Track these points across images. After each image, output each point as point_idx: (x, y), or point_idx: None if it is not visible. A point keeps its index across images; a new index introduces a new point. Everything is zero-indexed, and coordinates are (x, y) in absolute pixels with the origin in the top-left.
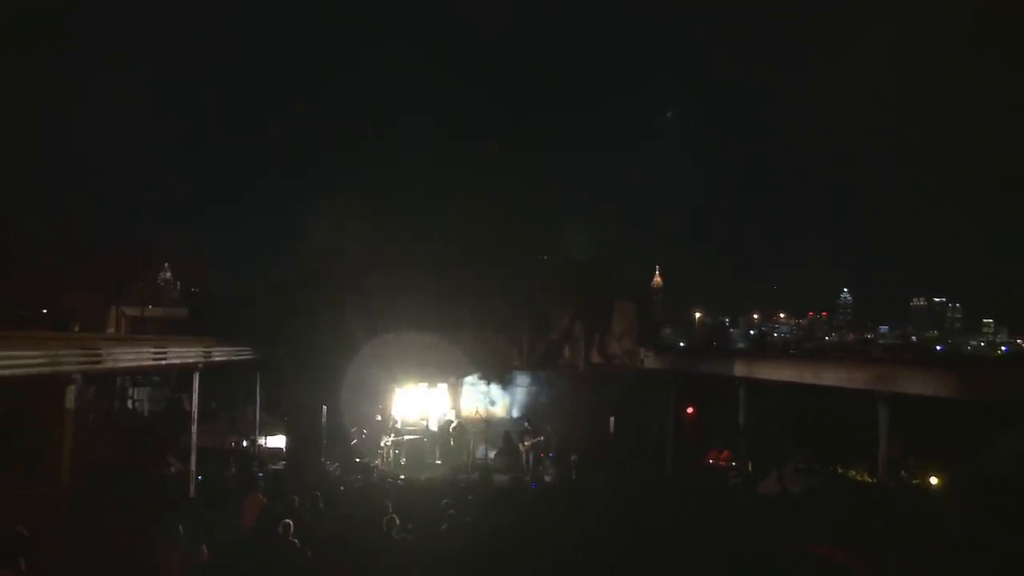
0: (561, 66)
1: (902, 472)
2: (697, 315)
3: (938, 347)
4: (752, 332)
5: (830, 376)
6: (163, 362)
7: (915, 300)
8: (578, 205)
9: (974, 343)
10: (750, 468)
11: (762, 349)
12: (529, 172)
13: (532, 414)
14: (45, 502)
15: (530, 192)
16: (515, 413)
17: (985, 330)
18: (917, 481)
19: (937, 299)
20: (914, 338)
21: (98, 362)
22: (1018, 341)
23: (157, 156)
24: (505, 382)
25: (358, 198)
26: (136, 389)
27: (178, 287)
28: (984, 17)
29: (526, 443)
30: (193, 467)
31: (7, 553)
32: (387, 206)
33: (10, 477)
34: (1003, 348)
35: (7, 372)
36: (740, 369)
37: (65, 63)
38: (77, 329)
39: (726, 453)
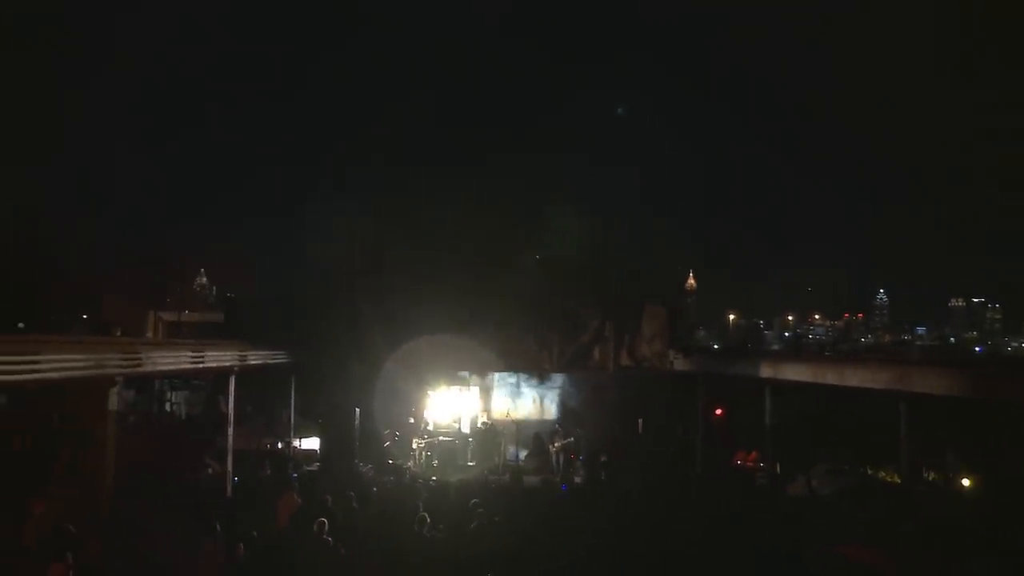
0: (581, 64)
1: (928, 473)
2: (731, 317)
3: (977, 348)
4: (787, 334)
5: (852, 377)
6: (200, 365)
7: (953, 301)
8: (610, 207)
9: (1015, 344)
10: (778, 469)
11: (797, 351)
12: (559, 174)
13: (562, 416)
14: (89, 501)
15: (560, 194)
16: (545, 415)
17: None
18: (933, 479)
19: (976, 299)
20: (952, 339)
21: (138, 365)
22: None
23: (192, 163)
24: (536, 383)
25: (390, 202)
26: (174, 393)
27: (214, 292)
28: None
29: (556, 444)
30: (230, 468)
31: (55, 549)
32: (419, 209)
33: (56, 477)
34: None
35: (53, 375)
36: (765, 370)
37: (102, 71)
38: (118, 334)
39: (754, 454)
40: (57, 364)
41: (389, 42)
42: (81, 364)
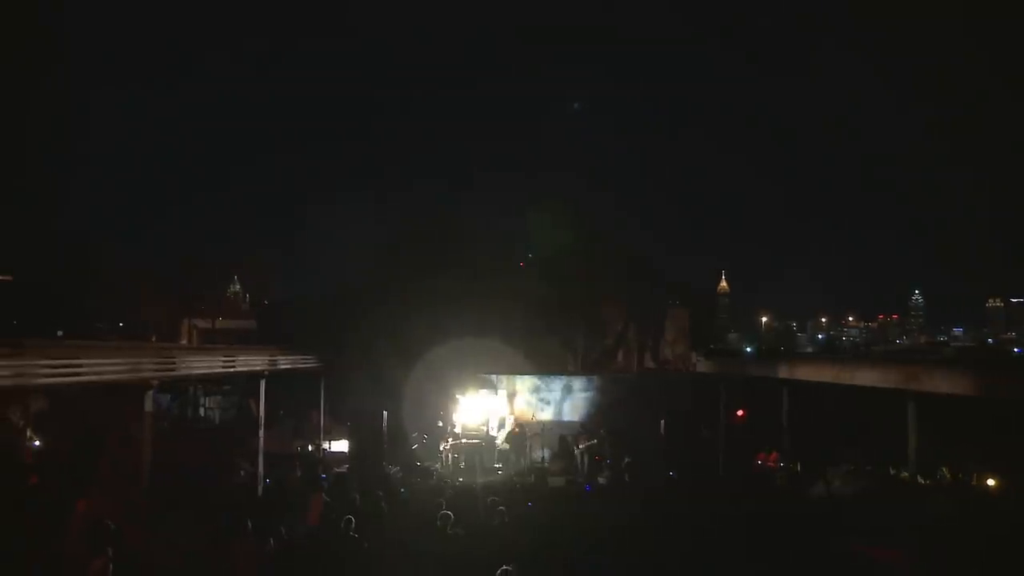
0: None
1: (950, 473)
2: (764, 319)
3: (1016, 349)
4: (820, 336)
5: (864, 377)
6: (232, 369)
7: (991, 301)
8: (639, 211)
9: None
10: (798, 469)
11: (832, 353)
12: (587, 179)
13: (586, 418)
14: (128, 498)
15: (586, 199)
16: (570, 417)
17: None
18: (954, 479)
19: (1015, 299)
20: (991, 340)
21: (173, 369)
22: None
23: (226, 171)
24: (561, 386)
25: (421, 210)
26: (207, 398)
27: (247, 300)
28: None
29: (581, 446)
30: (261, 470)
31: (96, 543)
32: (445, 215)
33: (98, 476)
34: None
35: (94, 377)
36: (783, 371)
37: (130, 79)
38: (154, 339)
39: (775, 455)
40: (96, 368)
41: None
42: (119, 368)
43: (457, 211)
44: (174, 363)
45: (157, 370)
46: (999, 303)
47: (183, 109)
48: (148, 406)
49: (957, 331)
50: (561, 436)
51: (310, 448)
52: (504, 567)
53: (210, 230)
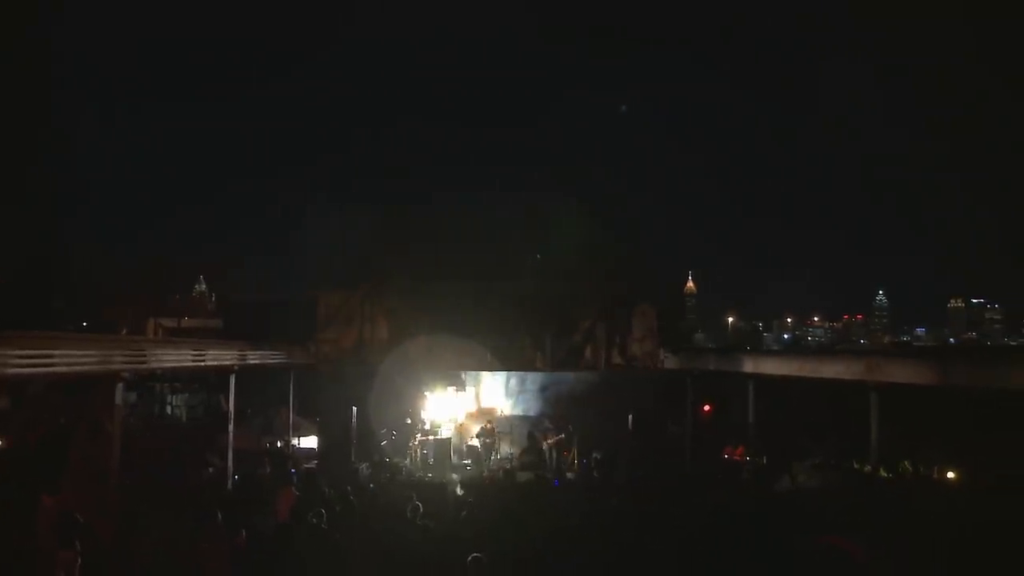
0: (577, 62)
1: (912, 466)
2: (730, 320)
3: None
4: (786, 336)
5: (827, 369)
6: (202, 363)
7: (952, 302)
8: (607, 208)
9: (1014, 344)
10: (764, 462)
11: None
12: (556, 175)
13: (554, 414)
14: (97, 491)
15: (555, 195)
16: (538, 413)
17: None
18: (916, 471)
19: (975, 300)
20: (952, 340)
21: (143, 362)
22: None
23: (191, 170)
24: (529, 382)
25: (388, 206)
26: (174, 396)
27: (213, 299)
28: None
29: (549, 441)
30: (231, 465)
31: (65, 536)
32: (413, 211)
33: (67, 469)
34: None
35: (65, 369)
36: (748, 366)
37: (94, 74)
38: (124, 332)
39: (741, 449)
40: (68, 359)
41: (394, 45)
42: (91, 360)
43: (428, 209)
44: (144, 356)
45: (127, 363)
46: (960, 304)
47: (161, 108)
48: (118, 399)
49: (920, 331)
50: (529, 432)
51: (279, 444)
52: (474, 555)
53: (182, 230)
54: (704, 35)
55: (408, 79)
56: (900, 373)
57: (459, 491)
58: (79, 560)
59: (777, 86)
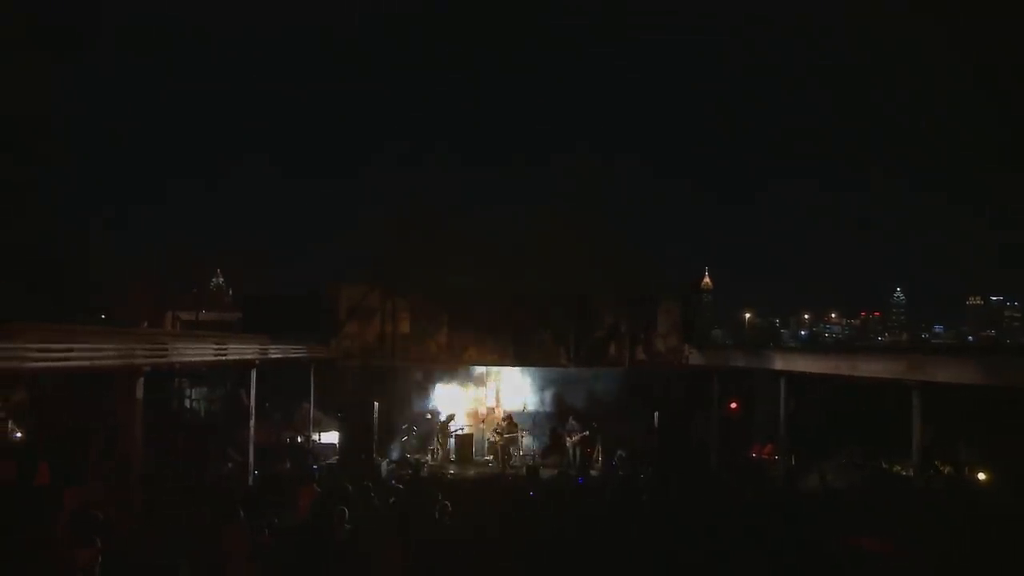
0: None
1: (944, 467)
2: (747, 316)
3: None
4: (803, 333)
5: (864, 367)
6: (224, 357)
7: (971, 299)
8: (629, 205)
9: None
10: (793, 462)
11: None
12: (579, 169)
13: (578, 410)
14: (119, 487)
15: (580, 191)
16: (561, 410)
17: None
18: (949, 472)
19: (995, 297)
20: (971, 338)
21: (164, 355)
22: None
23: (211, 162)
24: (553, 378)
25: (410, 200)
26: (193, 389)
27: (230, 292)
28: None
29: (573, 438)
30: (251, 461)
31: (85, 533)
32: (436, 205)
33: (89, 464)
34: None
35: (87, 363)
36: (779, 363)
37: (112, 67)
38: (145, 326)
39: (769, 447)
40: (88, 353)
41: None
42: (111, 353)
43: (448, 202)
44: (166, 349)
45: (149, 356)
46: (979, 301)
47: (178, 94)
48: (139, 393)
49: (938, 329)
50: (553, 429)
51: (300, 440)
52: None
53: (200, 221)
54: (725, 29)
55: (430, 71)
56: (944, 372)
57: (488, 493)
58: (99, 558)
59: (802, 76)
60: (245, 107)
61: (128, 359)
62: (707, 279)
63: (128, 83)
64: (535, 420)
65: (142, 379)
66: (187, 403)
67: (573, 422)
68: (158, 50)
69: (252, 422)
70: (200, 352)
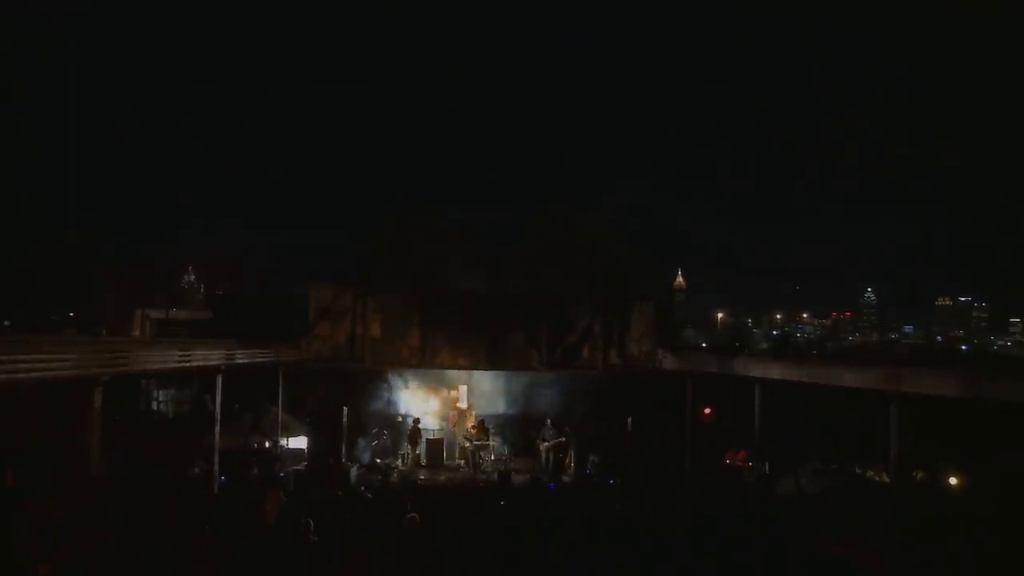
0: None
1: (918, 472)
2: (720, 315)
3: (963, 347)
4: (775, 332)
5: (842, 377)
6: (187, 364)
7: (940, 299)
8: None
9: (1000, 343)
10: (767, 468)
11: (786, 349)
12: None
13: (551, 415)
14: (77, 501)
15: (553, 190)
16: (534, 414)
17: (1012, 329)
18: (921, 478)
19: (963, 298)
20: (939, 338)
21: (125, 364)
22: None
23: (184, 160)
24: (525, 382)
25: (388, 202)
26: (161, 391)
27: (202, 290)
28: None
29: (546, 443)
30: (216, 467)
31: (43, 546)
32: (408, 208)
33: (45, 476)
34: None
35: (39, 374)
36: (755, 369)
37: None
38: (104, 332)
39: (743, 453)
40: (41, 364)
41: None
42: (66, 364)
43: (432, 204)
44: (126, 358)
45: (107, 366)
46: (948, 302)
47: (151, 91)
48: (97, 403)
49: (907, 329)
50: (525, 433)
51: (267, 445)
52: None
53: (166, 217)
54: (701, 36)
55: (413, 78)
56: (923, 385)
57: (459, 500)
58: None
59: (779, 83)
60: (220, 104)
61: (86, 369)
62: (680, 279)
63: (102, 81)
64: (507, 424)
65: (100, 389)
66: (155, 404)
67: (548, 426)
68: (133, 42)
69: (218, 428)
70: (163, 359)
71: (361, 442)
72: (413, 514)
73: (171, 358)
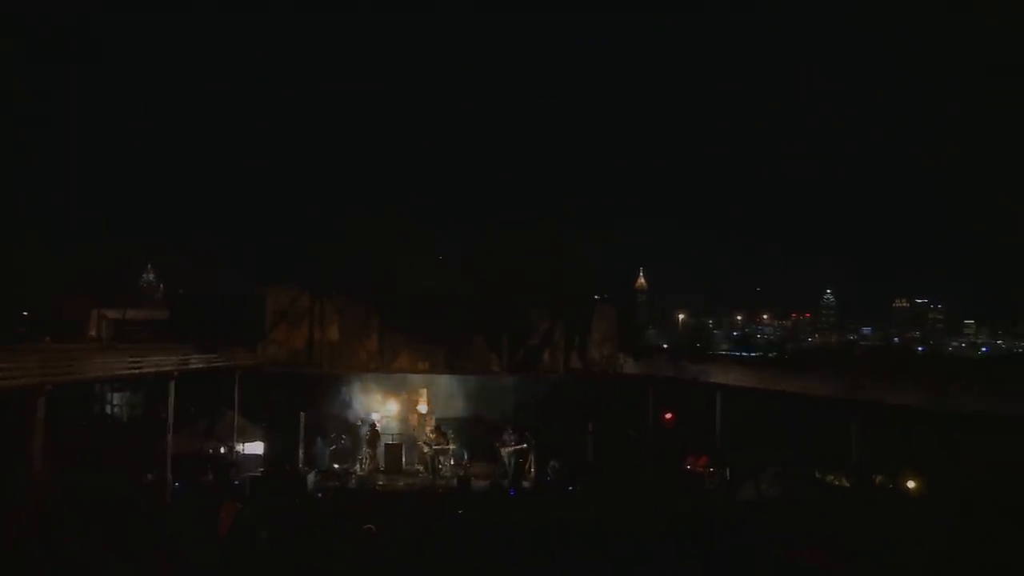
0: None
1: (877, 477)
2: (681, 317)
3: (920, 348)
4: (736, 334)
5: (802, 384)
6: (138, 371)
7: (897, 301)
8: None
9: (955, 344)
10: (728, 474)
11: (747, 348)
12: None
13: (512, 420)
14: (17, 512)
15: (513, 191)
16: (494, 419)
17: (967, 331)
18: (891, 485)
19: (919, 300)
20: (896, 339)
21: (70, 372)
22: (999, 343)
23: (146, 158)
24: (486, 387)
25: (346, 205)
26: (115, 394)
27: (161, 289)
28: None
29: (507, 449)
30: (169, 475)
31: None
32: (369, 209)
33: None
34: (983, 348)
35: None
36: (716, 375)
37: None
38: (48, 340)
39: (704, 459)
40: None
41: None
42: (7, 373)
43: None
44: (71, 366)
45: (51, 375)
46: (905, 304)
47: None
48: (40, 413)
49: (865, 331)
50: (486, 438)
51: (223, 450)
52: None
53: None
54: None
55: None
56: (884, 392)
57: (418, 508)
58: None
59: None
60: (182, 105)
61: (29, 378)
62: (642, 279)
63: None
64: (467, 428)
65: (43, 399)
66: (108, 408)
67: (509, 431)
68: (88, 44)
69: (170, 435)
70: (111, 367)
71: (319, 447)
72: (370, 525)
73: (120, 365)
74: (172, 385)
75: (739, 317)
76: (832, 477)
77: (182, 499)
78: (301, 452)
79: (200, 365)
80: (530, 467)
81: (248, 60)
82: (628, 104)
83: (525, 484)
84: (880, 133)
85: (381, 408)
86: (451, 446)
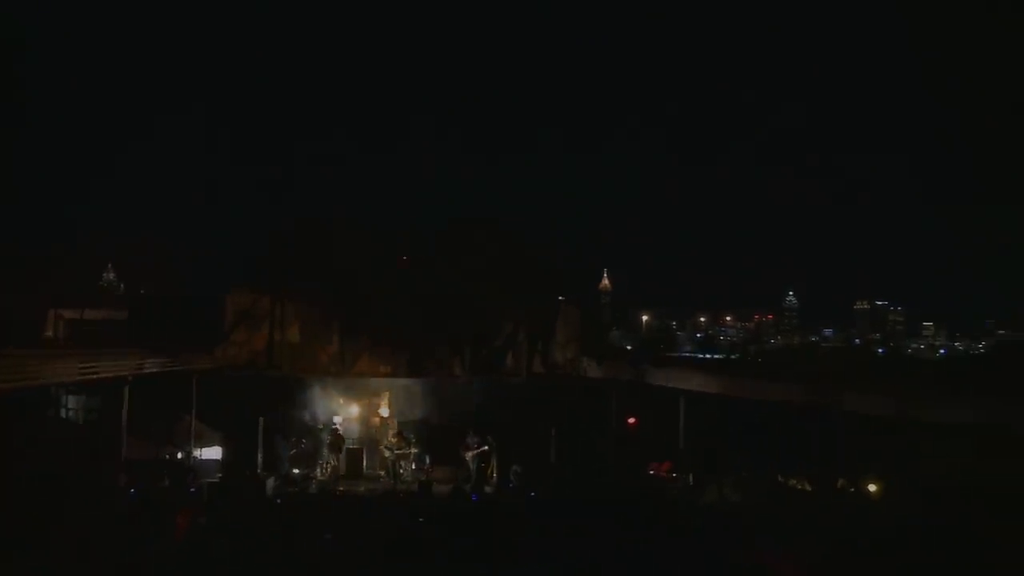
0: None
1: (838, 480)
2: (644, 318)
3: (880, 350)
4: (699, 335)
5: (767, 390)
6: (93, 376)
7: (858, 303)
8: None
9: (915, 345)
10: (691, 479)
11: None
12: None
13: (475, 423)
14: None
15: (476, 191)
16: (456, 422)
17: (925, 333)
18: (852, 489)
19: (880, 302)
20: (857, 341)
21: (20, 379)
22: (956, 344)
23: (107, 156)
24: (448, 390)
25: (305, 206)
26: (71, 397)
27: (122, 288)
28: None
29: (470, 453)
30: (124, 482)
31: None
32: (331, 212)
33: None
34: (941, 351)
35: None
36: (679, 382)
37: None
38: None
39: (667, 464)
40: None
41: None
42: None
43: (337, 209)
44: (22, 373)
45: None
46: (866, 306)
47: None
48: None
49: (827, 332)
50: (448, 442)
51: (179, 456)
52: None
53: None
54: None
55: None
56: (849, 399)
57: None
58: None
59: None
60: (141, 97)
61: None
62: (606, 280)
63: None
64: (428, 432)
65: None
66: (64, 411)
67: (472, 435)
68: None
69: (124, 442)
70: (63, 372)
71: (279, 450)
72: (328, 536)
73: (72, 370)
74: (127, 390)
75: (703, 319)
76: (795, 481)
77: (138, 506)
78: (260, 457)
79: (156, 369)
80: (492, 472)
81: (211, 52)
82: (593, 100)
83: (487, 489)
84: (843, 136)
85: (342, 411)
86: (413, 450)
